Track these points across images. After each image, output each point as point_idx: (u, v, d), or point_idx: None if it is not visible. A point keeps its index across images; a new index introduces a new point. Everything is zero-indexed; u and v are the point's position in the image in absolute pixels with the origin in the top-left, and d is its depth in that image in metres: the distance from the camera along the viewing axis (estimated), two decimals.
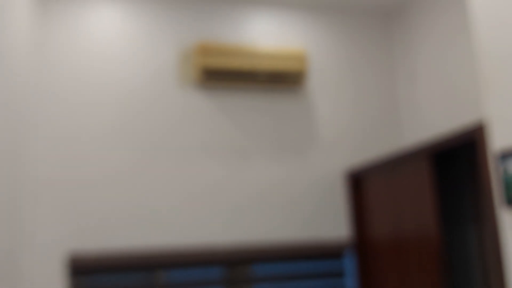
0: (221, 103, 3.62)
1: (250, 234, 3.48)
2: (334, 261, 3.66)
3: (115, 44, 3.47)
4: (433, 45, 3.68)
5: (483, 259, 3.07)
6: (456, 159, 3.39)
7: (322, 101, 3.86)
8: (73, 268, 3.13)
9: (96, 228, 3.20)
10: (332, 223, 3.65)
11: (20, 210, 3.02)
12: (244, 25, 3.80)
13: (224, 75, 3.50)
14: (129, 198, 3.29)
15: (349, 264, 3.65)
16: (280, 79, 3.62)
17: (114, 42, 3.48)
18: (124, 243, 3.22)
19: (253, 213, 3.51)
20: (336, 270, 3.65)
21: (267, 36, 3.84)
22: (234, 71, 3.50)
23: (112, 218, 3.23)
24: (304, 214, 3.61)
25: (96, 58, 3.42)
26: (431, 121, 3.69)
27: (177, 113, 3.51)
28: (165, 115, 3.48)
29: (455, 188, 3.44)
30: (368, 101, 3.96)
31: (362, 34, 4.08)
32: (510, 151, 1.99)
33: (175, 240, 3.32)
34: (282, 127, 3.72)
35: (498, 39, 2.16)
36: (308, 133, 3.76)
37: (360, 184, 3.62)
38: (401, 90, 4.03)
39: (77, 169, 3.24)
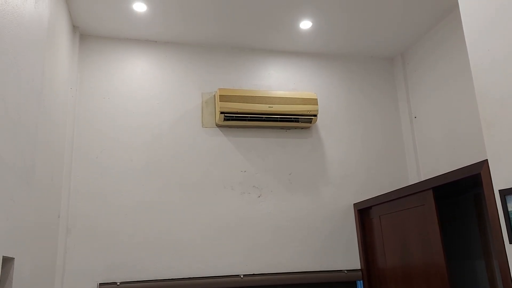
0: (239, 143, 3.90)
1: (267, 265, 3.67)
2: None
3: (146, 91, 3.80)
4: (435, 88, 3.92)
5: None
6: (461, 195, 3.54)
7: (332, 140, 4.12)
8: None
9: (124, 260, 3.40)
10: (343, 254, 3.84)
11: (53, 242, 3.23)
12: (260, 72, 4.13)
13: (242, 118, 3.78)
14: (155, 232, 3.51)
15: None
16: (293, 121, 3.89)
17: (145, 88, 3.80)
18: (149, 275, 3.41)
19: (270, 245, 3.71)
20: None
21: (280, 81, 4.16)
22: (251, 114, 3.78)
23: (139, 251, 3.44)
24: (317, 246, 3.80)
25: (129, 102, 3.74)
26: (434, 159, 3.88)
27: (200, 152, 3.78)
28: (189, 154, 3.75)
29: (462, 223, 3.59)
30: (374, 140, 4.22)
31: (368, 78, 4.39)
32: None
33: (197, 271, 3.51)
34: (295, 164, 3.97)
35: (497, 82, 2.34)
36: (319, 170, 4.01)
37: (369, 217, 3.81)
38: (405, 130, 4.26)
39: (108, 204, 3.48)
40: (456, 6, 3.60)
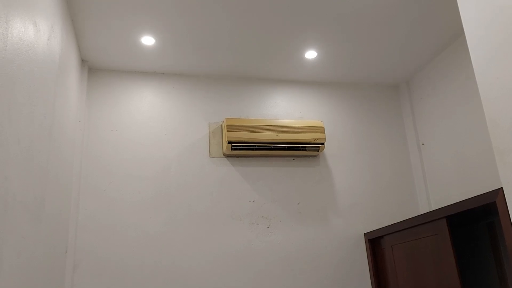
0: (247, 173, 3.88)
1: None
2: None
3: (153, 122, 3.81)
4: (442, 114, 3.92)
5: None
6: (473, 223, 3.49)
7: (340, 168, 4.10)
8: None
9: None
10: (355, 285, 3.75)
11: (60, 279, 3.17)
12: (266, 102, 4.15)
13: (249, 147, 3.77)
14: (163, 264, 3.45)
15: None
16: (300, 149, 3.88)
17: (153, 119, 3.82)
18: None
19: (280, 277, 3.64)
20: None
21: (287, 110, 4.17)
22: (259, 143, 3.77)
23: (147, 284, 3.37)
24: (328, 277, 3.73)
25: (137, 134, 3.75)
26: (444, 186, 3.84)
27: (208, 182, 3.76)
28: (197, 185, 3.73)
29: (475, 253, 3.52)
30: (383, 167, 4.20)
31: (374, 106, 4.40)
32: None
33: None
34: (304, 193, 3.94)
35: (508, 110, 2.33)
36: (328, 199, 3.97)
37: (380, 247, 3.75)
38: (413, 157, 4.24)
39: (115, 237, 3.43)
40: (461, 32, 3.64)
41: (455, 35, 3.65)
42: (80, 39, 3.40)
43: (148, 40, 3.47)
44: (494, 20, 2.47)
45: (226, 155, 3.89)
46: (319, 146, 3.90)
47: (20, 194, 1.89)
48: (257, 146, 3.79)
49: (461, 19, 2.74)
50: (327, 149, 4.13)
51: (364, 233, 3.92)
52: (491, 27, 2.50)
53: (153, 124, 3.82)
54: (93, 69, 3.82)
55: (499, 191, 2.33)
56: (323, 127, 3.93)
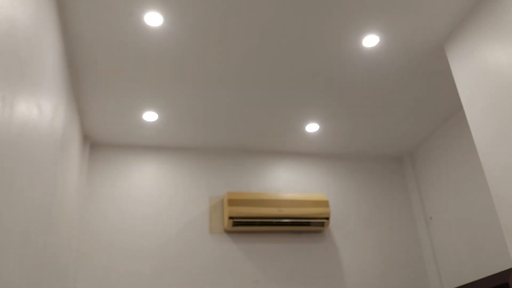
0: (249, 250, 3.75)
1: None
2: None
3: (153, 197, 3.75)
4: (448, 187, 3.86)
5: None
6: None
7: (346, 244, 3.97)
8: None
9: None
10: None
11: None
12: (269, 175, 4.12)
13: (251, 222, 3.68)
14: None
15: None
16: (304, 224, 3.78)
17: (153, 194, 3.76)
18: None
19: None
20: None
21: (290, 183, 4.13)
22: (261, 218, 3.68)
23: None
24: None
25: (136, 209, 3.67)
26: (455, 263, 3.69)
27: (208, 260, 3.62)
28: (197, 263, 3.59)
29: None
30: (390, 243, 4.06)
31: (378, 178, 4.36)
32: None
33: None
34: (309, 271, 3.78)
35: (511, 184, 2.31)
36: (334, 277, 3.80)
37: None
38: (421, 232, 4.12)
39: None
40: (461, 106, 3.68)
41: (455, 109, 3.70)
42: (83, 115, 3.44)
43: (150, 116, 3.51)
44: (493, 100, 2.50)
45: (227, 231, 3.78)
46: (324, 221, 3.80)
47: (14, 281, 1.79)
48: (260, 221, 3.69)
49: (460, 99, 2.78)
50: (332, 224, 4.03)
51: None
52: (490, 107, 2.53)
53: (153, 199, 3.76)
54: (95, 145, 3.83)
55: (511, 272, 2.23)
56: (327, 201, 3.86)
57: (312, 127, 3.84)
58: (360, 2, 2.55)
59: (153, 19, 2.59)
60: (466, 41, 2.71)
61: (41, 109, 2.18)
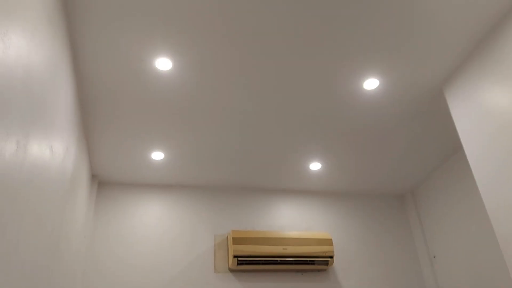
0: (253, 287, 3.73)
1: None
2: None
3: (158, 234, 3.78)
4: (451, 226, 3.86)
5: None
6: None
7: (351, 283, 3.93)
8: None
9: None
10: None
11: None
12: (273, 212, 4.15)
13: (256, 261, 3.68)
14: None
15: None
16: (308, 263, 3.77)
17: (158, 232, 3.79)
18: None
19: None
20: None
21: (293, 221, 4.15)
22: (266, 257, 3.68)
23: None
24: None
25: (142, 246, 3.69)
26: None
27: None
28: None
29: None
30: (395, 282, 4.03)
31: (381, 216, 4.37)
32: None
33: None
34: None
35: None
36: None
37: None
38: (426, 270, 4.08)
39: None
40: (462, 144, 3.73)
41: (456, 147, 3.75)
42: (92, 155, 3.52)
43: (157, 155, 3.58)
44: (493, 141, 2.56)
45: (231, 270, 3.78)
46: (328, 260, 3.79)
47: None
48: (264, 260, 3.69)
49: (460, 139, 2.83)
50: (337, 262, 4.01)
51: None
52: (490, 148, 2.58)
53: (159, 237, 3.79)
54: (102, 183, 3.90)
55: None
56: (331, 239, 3.86)
57: (315, 166, 3.90)
58: (360, 47, 2.66)
59: (163, 64, 2.71)
60: (464, 84, 2.79)
61: (53, 151, 2.26)
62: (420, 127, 3.44)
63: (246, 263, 3.67)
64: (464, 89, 2.80)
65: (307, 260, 3.77)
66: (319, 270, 3.93)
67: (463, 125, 2.81)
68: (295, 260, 3.74)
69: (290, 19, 2.46)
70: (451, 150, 3.78)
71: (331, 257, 3.80)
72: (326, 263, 3.81)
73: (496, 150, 2.52)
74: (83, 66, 2.69)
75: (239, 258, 3.65)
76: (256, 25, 2.49)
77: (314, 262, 3.79)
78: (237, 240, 3.70)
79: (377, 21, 2.49)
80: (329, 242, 3.84)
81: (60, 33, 2.26)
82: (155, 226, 3.83)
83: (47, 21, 1.97)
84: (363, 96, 3.06)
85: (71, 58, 2.55)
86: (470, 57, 2.75)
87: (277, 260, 3.72)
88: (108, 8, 2.34)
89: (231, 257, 3.67)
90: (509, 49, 2.45)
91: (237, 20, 2.46)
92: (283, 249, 3.73)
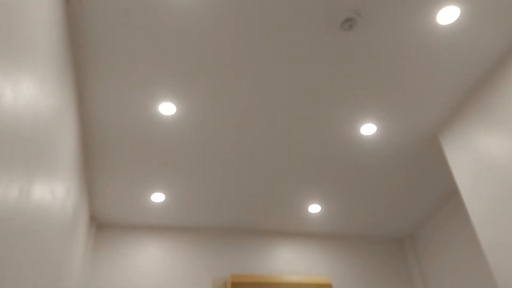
0: None
1: None
2: None
3: (156, 277, 3.73)
4: (451, 270, 3.81)
5: None
6: None
7: None
8: None
9: None
10: None
11: None
12: (271, 255, 4.11)
13: None
14: None
15: None
16: None
17: (156, 275, 3.75)
18: None
19: None
20: None
21: (292, 264, 4.10)
22: None
23: None
24: None
25: None
26: None
27: None
28: None
29: None
30: None
31: (380, 260, 4.32)
32: None
33: None
34: None
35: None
36: None
37: None
38: None
39: None
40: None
41: (454, 192, 3.77)
42: (92, 197, 3.53)
43: (158, 197, 3.60)
44: (489, 186, 2.59)
45: None
46: None
47: None
48: None
49: (457, 184, 2.86)
50: None
51: None
52: (487, 193, 2.61)
53: (156, 279, 3.73)
54: (101, 225, 3.89)
55: None
56: (331, 284, 3.81)
57: (314, 208, 3.90)
58: (358, 94, 2.74)
59: (167, 108, 2.77)
60: (458, 131, 2.86)
61: (54, 195, 2.28)
62: (418, 172, 3.48)
63: None
64: (458, 136, 2.86)
65: None
66: None
67: (459, 171, 2.85)
68: None
69: (291, 66, 2.55)
70: (449, 195, 3.80)
71: None
72: None
73: (491, 195, 2.55)
74: (89, 111, 2.76)
75: None
76: (257, 72, 2.58)
77: None
78: (236, 285, 3.65)
79: (374, 71, 2.58)
80: (328, 287, 3.79)
81: (68, 81, 2.33)
82: (153, 268, 3.79)
83: (56, 70, 2.04)
84: (361, 141, 3.12)
85: (77, 104, 2.62)
86: (463, 106, 2.83)
87: None
88: (114, 57, 2.43)
89: None
90: (498, 99, 2.53)
91: (239, 68, 2.55)
92: None
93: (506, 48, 2.48)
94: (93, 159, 3.15)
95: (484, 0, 2.24)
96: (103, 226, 3.90)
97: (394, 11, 2.26)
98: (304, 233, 4.31)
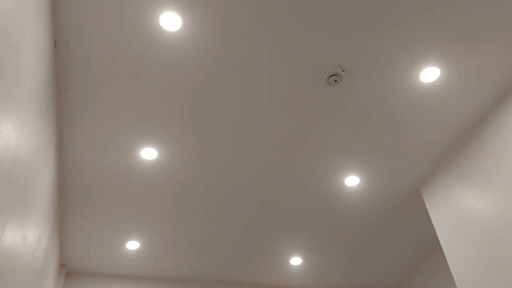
0: None
1: None
2: None
3: None
4: None
5: None
6: None
7: None
8: None
9: None
10: None
11: None
12: None
13: None
14: None
15: None
16: None
17: None
18: None
19: None
20: None
21: None
22: None
23: None
24: None
25: None
26: None
27: None
28: None
29: None
30: None
31: None
32: None
33: None
34: None
35: None
36: None
37: None
38: None
39: None
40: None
41: (438, 244, 3.76)
42: (63, 243, 3.38)
43: (133, 245, 3.47)
44: (470, 242, 2.59)
45: None
46: None
47: None
48: None
49: (439, 241, 2.87)
50: None
51: None
52: (468, 248, 2.61)
53: None
54: (70, 273, 3.70)
55: None
56: None
57: (296, 261, 3.82)
58: (342, 146, 2.76)
59: (148, 154, 2.73)
60: (441, 186, 2.89)
61: (26, 241, 2.17)
62: (401, 224, 3.47)
63: None
64: (440, 191, 2.89)
65: None
66: None
67: (440, 225, 2.86)
68: None
69: (275, 117, 2.57)
70: (434, 247, 3.79)
71: None
72: None
73: (472, 250, 2.55)
74: (68, 154, 2.69)
75: None
76: (241, 121, 2.58)
77: None
78: None
79: (358, 124, 2.62)
80: None
81: (49, 124, 2.28)
82: None
83: (38, 113, 2.00)
84: (344, 192, 3.11)
85: (56, 147, 2.56)
86: (444, 162, 2.88)
87: None
88: (99, 101, 2.40)
89: None
90: (478, 156, 2.59)
91: (221, 116, 2.55)
92: None
93: (486, 106, 2.57)
94: (68, 203, 3.04)
95: (462, 63, 2.33)
96: (72, 274, 3.71)
97: (379, 68, 2.33)
98: (285, 287, 4.19)
